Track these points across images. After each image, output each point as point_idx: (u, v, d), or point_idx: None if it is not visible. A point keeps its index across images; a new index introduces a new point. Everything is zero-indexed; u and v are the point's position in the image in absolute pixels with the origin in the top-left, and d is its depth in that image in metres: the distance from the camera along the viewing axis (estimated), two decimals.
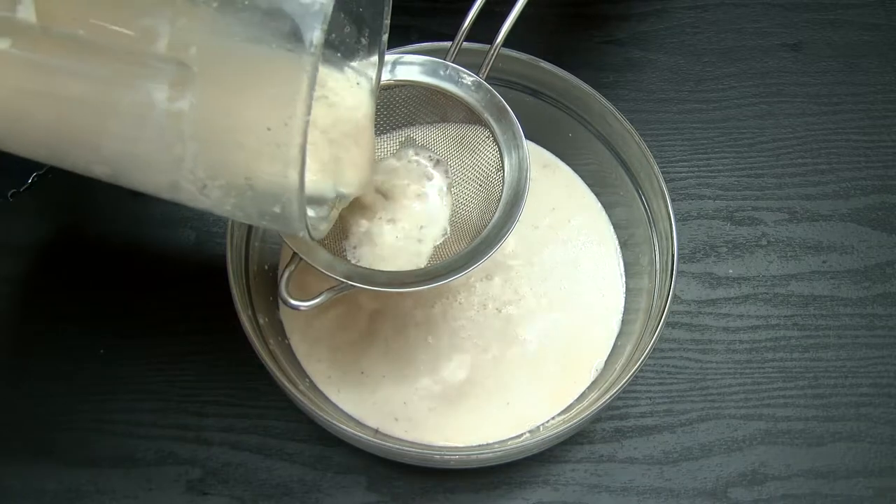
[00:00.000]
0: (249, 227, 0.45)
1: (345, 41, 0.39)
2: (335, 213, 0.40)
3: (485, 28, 0.42)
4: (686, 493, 0.47)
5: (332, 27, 0.29)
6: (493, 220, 0.40)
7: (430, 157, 0.44)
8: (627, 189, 0.48)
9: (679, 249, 0.43)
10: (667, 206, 0.44)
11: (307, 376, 0.46)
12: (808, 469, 0.48)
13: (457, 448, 0.45)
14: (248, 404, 0.49)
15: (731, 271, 0.53)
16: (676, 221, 0.43)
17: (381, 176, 0.43)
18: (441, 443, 0.45)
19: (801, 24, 0.61)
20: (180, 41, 0.29)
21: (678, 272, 0.43)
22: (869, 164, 0.56)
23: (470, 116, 0.43)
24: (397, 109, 0.44)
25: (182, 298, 0.51)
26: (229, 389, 0.49)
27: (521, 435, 0.45)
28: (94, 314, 0.51)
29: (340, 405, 0.46)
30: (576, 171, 0.52)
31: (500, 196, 0.41)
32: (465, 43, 0.43)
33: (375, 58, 0.40)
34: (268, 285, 0.47)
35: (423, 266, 0.41)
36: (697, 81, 0.58)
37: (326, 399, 0.46)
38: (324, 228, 0.38)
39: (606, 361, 0.47)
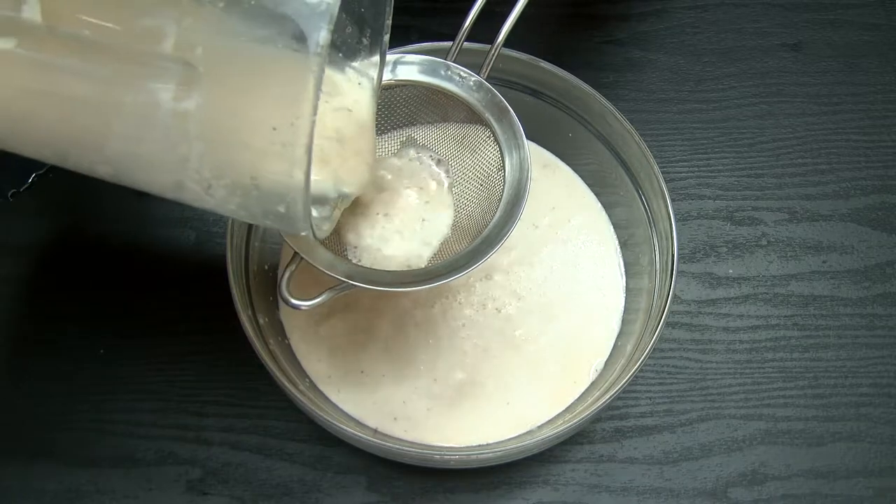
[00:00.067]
0: (249, 228, 0.45)
1: (346, 41, 0.39)
2: (337, 213, 0.40)
3: (485, 28, 0.42)
4: (686, 493, 0.47)
5: (334, 27, 0.29)
6: (493, 220, 0.40)
7: (430, 156, 0.44)
8: (627, 189, 0.48)
9: (679, 249, 0.43)
10: (667, 206, 0.44)
11: (307, 376, 0.46)
12: (808, 469, 0.48)
13: (457, 448, 0.45)
14: (248, 404, 0.49)
15: (731, 271, 0.53)
16: (676, 221, 0.43)
17: (382, 175, 0.43)
18: (440, 442, 0.45)
19: (801, 24, 0.61)
20: (186, 41, 0.29)
21: (678, 272, 0.43)
22: (869, 164, 0.56)
23: (471, 116, 0.43)
24: (398, 109, 0.44)
25: (182, 298, 0.51)
26: (229, 389, 0.49)
27: (521, 435, 0.45)
28: (94, 314, 0.51)
29: (340, 405, 0.46)
30: (576, 171, 0.52)
31: (501, 196, 0.41)
32: (465, 43, 0.43)
33: (377, 58, 0.40)
34: (268, 285, 0.47)
35: (424, 265, 0.41)
36: (697, 81, 0.58)
37: (326, 399, 0.46)
38: (327, 228, 0.38)
39: (606, 361, 0.47)
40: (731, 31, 0.60)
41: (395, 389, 0.46)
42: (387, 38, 0.39)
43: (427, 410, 0.46)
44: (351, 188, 0.39)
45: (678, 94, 0.58)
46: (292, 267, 0.38)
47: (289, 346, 0.47)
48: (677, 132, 0.57)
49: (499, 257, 0.48)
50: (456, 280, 0.39)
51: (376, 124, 0.41)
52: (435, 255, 0.42)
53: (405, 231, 0.42)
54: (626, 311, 0.48)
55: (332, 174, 0.38)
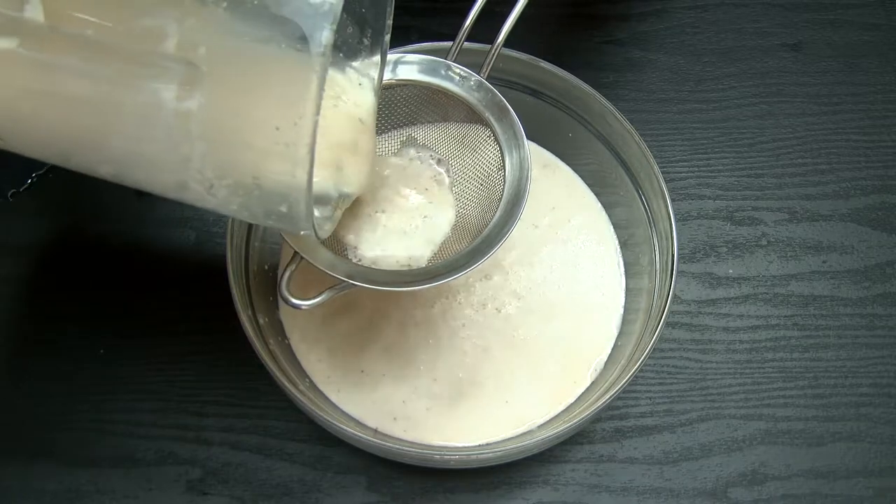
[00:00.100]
0: (249, 228, 0.45)
1: (347, 41, 0.39)
2: (339, 213, 0.40)
3: (485, 28, 0.42)
4: (686, 493, 0.47)
5: (336, 27, 0.29)
6: (493, 220, 0.40)
7: (431, 156, 0.44)
8: (627, 189, 0.48)
9: (679, 249, 0.43)
10: (667, 206, 0.44)
11: (307, 376, 0.46)
12: (808, 469, 0.48)
13: (456, 448, 0.45)
14: (248, 404, 0.49)
15: (731, 271, 0.53)
16: (676, 221, 0.43)
17: (383, 174, 0.43)
18: (440, 442, 0.45)
19: (801, 24, 0.61)
20: (189, 41, 0.29)
21: (678, 272, 0.43)
22: (869, 164, 0.56)
23: (471, 116, 0.43)
24: (398, 109, 0.44)
25: (182, 298, 0.51)
26: (229, 389, 0.49)
27: (521, 435, 0.45)
28: (94, 314, 0.51)
29: (340, 405, 0.46)
30: (576, 171, 0.52)
31: (501, 195, 0.41)
32: (465, 43, 0.43)
33: (377, 58, 0.40)
34: (268, 285, 0.47)
35: (424, 265, 0.41)
36: (697, 81, 0.58)
37: (326, 399, 0.46)
38: (328, 228, 0.38)
39: (606, 361, 0.47)
40: (731, 31, 0.60)
41: (395, 389, 0.46)
42: (387, 38, 0.40)
43: (427, 410, 0.46)
44: (352, 188, 0.39)
45: (678, 94, 0.58)
46: (292, 267, 0.38)
47: (289, 346, 0.47)
48: (677, 132, 0.57)
49: (499, 257, 0.48)
50: (456, 280, 0.39)
51: (376, 124, 0.41)
52: (435, 254, 0.42)
53: (406, 230, 0.42)
54: (626, 311, 0.48)
55: (333, 174, 0.38)
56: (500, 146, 0.42)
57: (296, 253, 0.38)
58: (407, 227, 0.42)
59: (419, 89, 0.43)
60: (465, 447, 0.45)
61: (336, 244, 0.41)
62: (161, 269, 0.52)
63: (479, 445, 0.45)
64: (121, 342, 0.50)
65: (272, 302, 0.47)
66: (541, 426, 0.45)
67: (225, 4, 0.29)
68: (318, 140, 0.29)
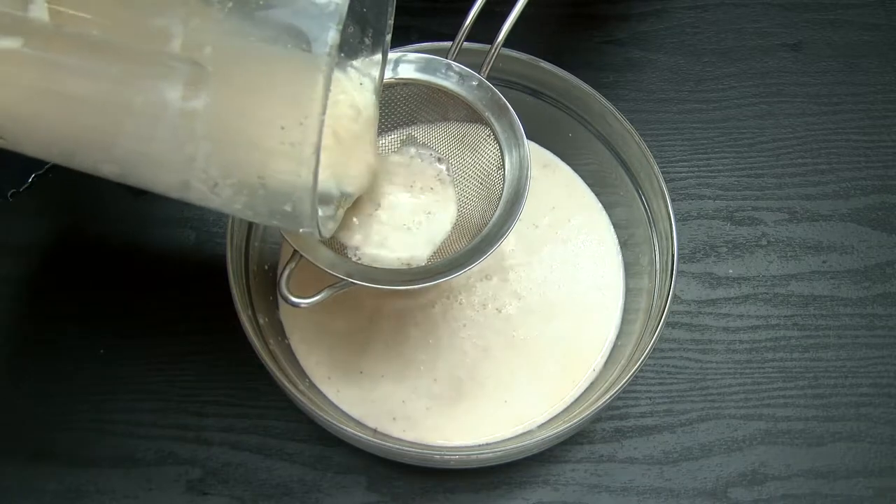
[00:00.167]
0: (249, 228, 0.45)
1: (348, 41, 0.39)
2: (341, 212, 0.40)
3: (485, 28, 0.42)
4: (686, 493, 0.47)
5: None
6: (493, 218, 0.40)
7: (431, 154, 0.44)
8: (627, 189, 0.48)
9: (679, 249, 0.43)
10: (667, 206, 0.44)
11: (307, 376, 0.46)
12: (808, 469, 0.48)
13: (456, 448, 0.45)
14: (248, 404, 0.49)
15: (731, 271, 0.53)
16: (676, 221, 0.43)
17: (383, 173, 0.43)
18: (439, 442, 0.45)
19: (801, 24, 0.61)
20: (195, 41, 0.29)
21: (678, 272, 0.43)
22: (869, 164, 0.56)
23: (471, 115, 0.43)
24: (398, 108, 0.44)
25: (182, 298, 0.51)
26: (229, 389, 0.49)
27: (521, 435, 0.45)
28: (94, 314, 0.51)
29: (340, 405, 0.46)
30: (576, 170, 0.52)
31: (501, 194, 0.41)
32: (465, 43, 0.43)
33: (378, 57, 0.40)
34: (268, 285, 0.47)
35: (424, 264, 0.41)
36: (697, 81, 0.58)
37: (326, 399, 0.46)
38: (331, 227, 0.39)
39: (606, 361, 0.47)
40: (731, 31, 0.60)
41: (395, 389, 0.46)
42: (389, 37, 0.40)
43: (426, 410, 0.46)
44: (353, 187, 0.39)
45: (678, 94, 0.58)
46: (292, 265, 0.38)
47: (289, 346, 0.47)
48: (677, 132, 0.57)
49: (499, 257, 0.48)
50: (455, 278, 0.39)
51: (377, 123, 0.41)
52: (434, 253, 0.42)
53: (410, 227, 0.42)
54: (626, 311, 0.48)
55: (335, 173, 0.38)
56: (499, 145, 0.42)
57: (295, 251, 0.38)
58: (411, 223, 0.42)
59: (419, 88, 0.43)
60: (464, 447, 0.45)
61: (336, 243, 0.41)
62: (161, 269, 0.52)
63: (479, 445, 0.45)
64: (121, 342, 0.50)
65: (272, 302, 0.47)
66: (541, 426, 0.45)
67: (230, 4, 0.29)
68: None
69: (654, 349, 0.41)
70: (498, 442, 0.45)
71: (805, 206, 0.55)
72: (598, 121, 0.47)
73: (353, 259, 0.41)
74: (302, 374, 0.46)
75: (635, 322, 0.46)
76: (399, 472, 0.47)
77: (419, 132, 0.45)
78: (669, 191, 0.44)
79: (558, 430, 0.41)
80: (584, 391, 0.46)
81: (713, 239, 0.54)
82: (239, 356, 0.45)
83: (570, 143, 0.50)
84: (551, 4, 0.60)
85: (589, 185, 0.51)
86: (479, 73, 0.42)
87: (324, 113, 0.29)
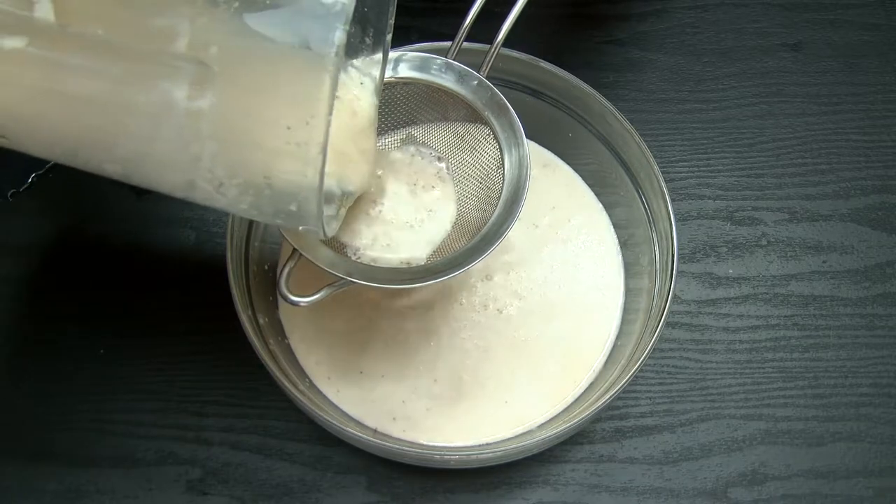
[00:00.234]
0: (249, 228, 0.45)
1: (350, 41, 0.39)
2: (343, 211, 0.40)
3: (485, 28, 0.42)
4: (686, 493, 0.47)
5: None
6: (492, 218, 0.40)
7: (431, 153, 0.44)
8: (627, 189, 0.48)
9: (679, 249, 0.43)
10: (667, 206, 0.44)
11: (307, 376, 0.46)
12: (808, 469, 0.48)
13: (456, 448, 0.45)
14: (248, 404, 0.49)
15: (731, 271, 0.53)
16: (676, 221, 0.43)
17: (384, 172, 0.43)
18: (439, 442, 0.45)
19: (801, 24, 0.61)
20: (200, 41, 0.29)
21: (678, 272, 0.43)
22: (869, 164, 0.56)
23: (470, 114, 0.43)
24: (398, 107, 0.44)
25: (182, 298, 0.51)
26: (229, 389, 0.49)
27: (521, 435, 0.45)
28: (94, 314, 0.51)
29: (340, 405, 0.46)
30: (576, 170, 0.52)
31: (500, 193, 0.41)
32: (465, 43, 0.43)
33: (379, 56, 0.40)
34: (268, 285, 0.47)
35: (423, 263, 0.41)
36: (697, 81, 0.58)
37: (326, 399, 0.46)
38: (335, 226, 0.39)
39: (606, 361, 0.47)
40: (731, 31, 0.60)
41: (395, 389, 0.46)
42: (389, 37, 0.40)
43: (427, 410, 0.46)
44: (354, 186, 0.39)
45: (678, 94, 0.58)
46: (291, 264, 0.38)
47: (289, 346, 0.47)
48: (677, 132, 0.57)
49: (499, 257, 0.48)
50: (455, 278, 0.39)
51: (376, 122, 0.41)
52: (434, 252, 0.42)
53: (409, 226, 0.42)
54: (626, 311, 0.48)
55: (336, 173, 0.38)
56: (499, 144, 0.42)
57: (295, 250, 0.38)
58: (414, 221, 0.42)
59: (419, 87, 0.43)
60: (464, 447, 0.45)
61: (336, 242, 0.41)
62: (161, 269, 0.52)
63: (479, 445, 0.45)
64: (121, 342, 0.50)
65: (272, 302, 0.47)
66: (541, 426, 0.45)
67: (237, 4, 0.29)
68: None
69: (654, 349, 0.41)
70: (498, 442, 0.45)
71: (805, 206, 0.55)
72: (598, 121, 0.47)
73: (353, 258, 0.41)
74: (302, 373, 0.46)
75: (635, 322, 0.46)
76: (399, 472, 0.47)
77: (419, 131, 0.45)
78: (669, 191, 0.44)
79: (558, 430, 0.41)
80: (585, 391, 0.46)
81: (713, 239, 0.54)
82: (239, 356, 0.45)
83: (570, 143, 0.50)
84: (551, 4, 0.60)
85: (589, 185, 0.51)
86: (479, 72, 0.42)
87: (330, 113, 0.29)
